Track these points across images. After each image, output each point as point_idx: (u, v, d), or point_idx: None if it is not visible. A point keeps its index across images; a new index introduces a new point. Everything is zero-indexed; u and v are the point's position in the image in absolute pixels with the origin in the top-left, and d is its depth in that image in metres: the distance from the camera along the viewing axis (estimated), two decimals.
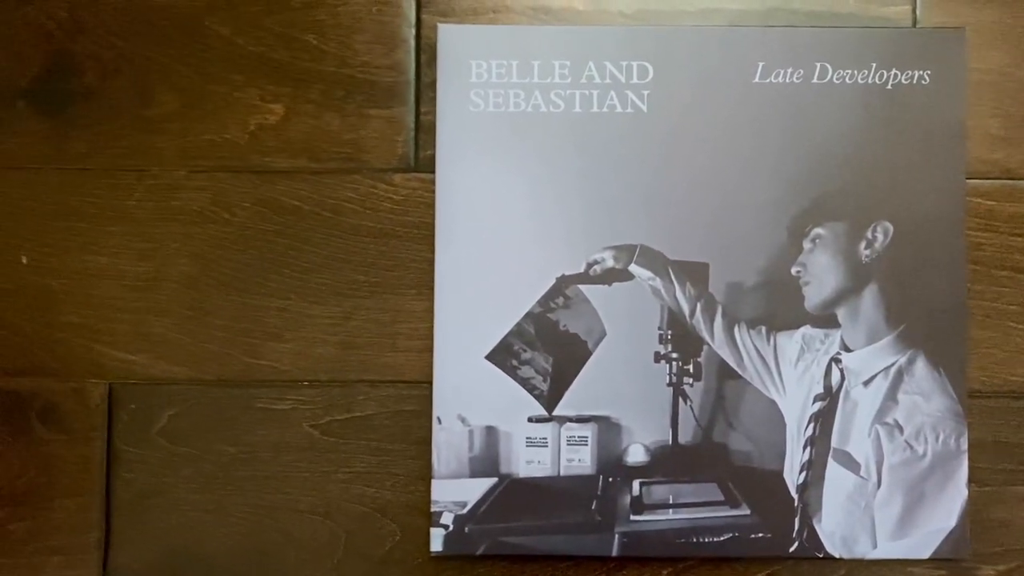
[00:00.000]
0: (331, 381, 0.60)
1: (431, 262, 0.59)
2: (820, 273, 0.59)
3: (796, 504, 0.59)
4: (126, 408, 0.60)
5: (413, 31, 0.60)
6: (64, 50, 0.60)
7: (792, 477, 0.59)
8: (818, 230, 0.59)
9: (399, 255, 0.60)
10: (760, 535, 0.59)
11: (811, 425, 0.59)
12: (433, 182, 0.59)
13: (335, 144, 0.60)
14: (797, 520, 0.59)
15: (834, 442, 0.59)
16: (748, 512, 0.59)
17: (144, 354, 0.60)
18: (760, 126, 0.59)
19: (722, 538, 0.59)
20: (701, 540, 0.59)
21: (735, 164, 0.59)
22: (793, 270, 0.59)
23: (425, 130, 0.60)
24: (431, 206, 0.59)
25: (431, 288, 0.59)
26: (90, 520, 0.59)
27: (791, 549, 0.59)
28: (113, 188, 0.60)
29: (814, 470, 0.59)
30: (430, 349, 0.59)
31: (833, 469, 0.59)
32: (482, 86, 0.59)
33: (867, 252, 0.59)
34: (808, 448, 0.59)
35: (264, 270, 0.60)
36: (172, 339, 0.60)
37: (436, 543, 0.59)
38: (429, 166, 0.60)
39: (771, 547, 0.59)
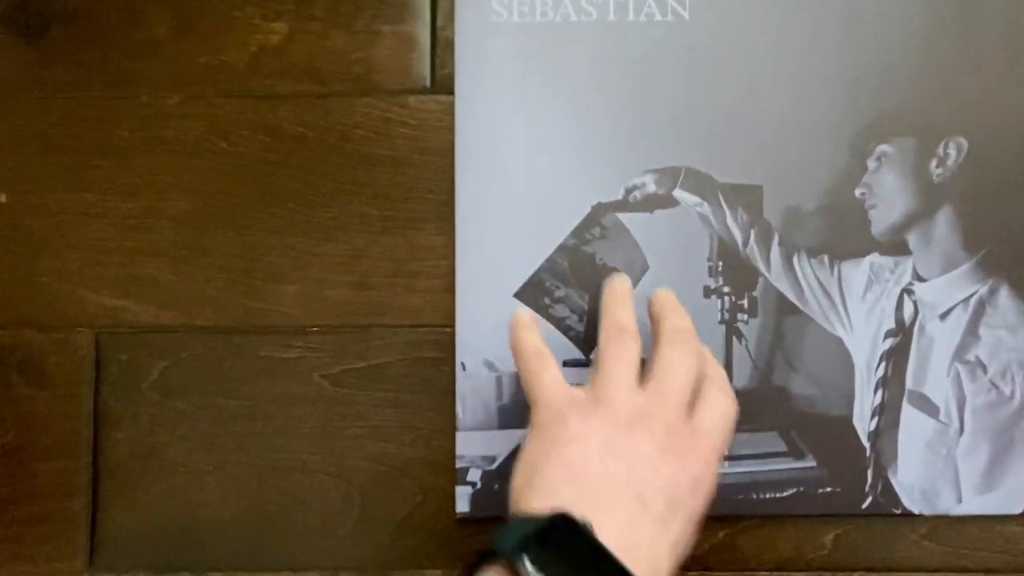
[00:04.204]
0: (342, 326, 0.54)
1: (451, 192, 0.53)
2: (887, 195, 0.53)
3: (868, 454, 0.52)
4: (115, 360, 0.54)
5: None
6: None
7: (863, 424, 0.52)
8: (883, 147, 0.53)
9: (415, 185, 0.54)
10: (828, 489, 0.52)
11: (882, 364, 0.52)
12: (451, 104, 0.54)
13: (343, 65, 0.54)
14: (870, 472, 0.52)
15: (909, 383, 0.52)
16: (814, 464, 0.52)
17: (134, 299, 0.54)
18: (816, 33, 0.53)
19: (785, 493, 0.52)
20: (761, 496, 0.52)
21: (789, 76, 0.53)
22: (857, 192, 0.53)
23: (442, 47, 0.54)
24: (450, 130, 0.54)
25: (451, 221, 0.53)
26: (76, 484, 0.53)
27: (864, 505, 0.52)
28: (100, 118, 0.54)
29: (887, 415, 0.52)
30: (452, 288, 0.53)
31: (909, 414, 0.52)
32: None
33: (939, 171, 0.53)
34: (880, 390, 0.52)
35: (266, 204, 0.54)
36: (165, 282, 0.54)
37: (462, 503, 0.52)
38: (447, 87, 0.54)
39: (841, 503, 0.52)
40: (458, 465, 0.53)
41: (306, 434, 0.54)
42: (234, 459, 0.54)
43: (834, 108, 0.53)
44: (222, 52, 0.55)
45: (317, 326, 0.54)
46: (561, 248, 0.53)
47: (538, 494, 0.43)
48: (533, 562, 0.39)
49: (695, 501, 0.45)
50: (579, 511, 0.41)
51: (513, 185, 0.53)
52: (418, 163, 0.54)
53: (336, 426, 0.54)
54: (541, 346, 0.48)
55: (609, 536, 0.41)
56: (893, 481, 0.52)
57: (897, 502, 0.52)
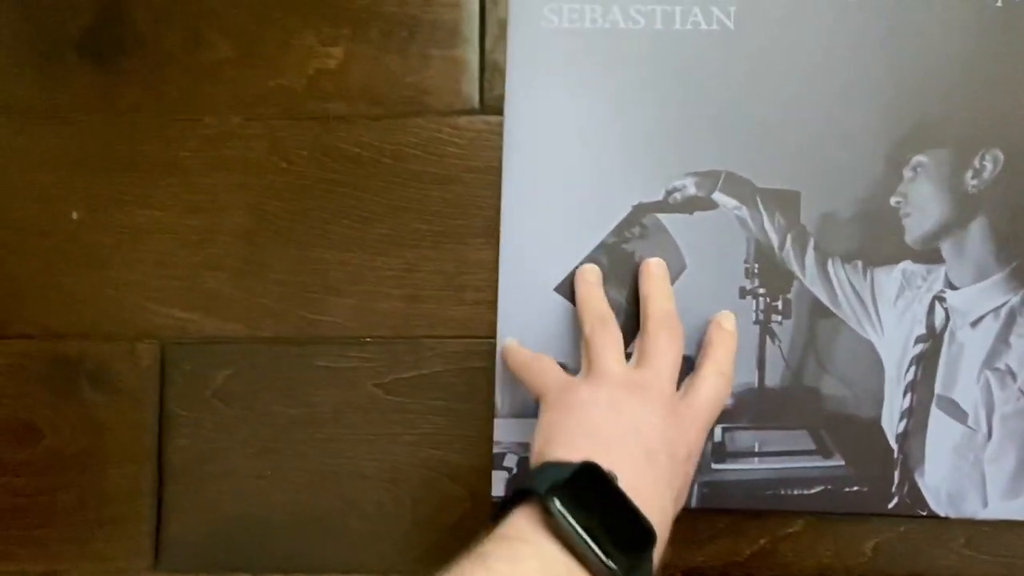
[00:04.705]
0: (395, 337, 0.56)
1: (498, 208, 0.55)
2: (922, 204, 0.54)
3: (896, 455, 0.54)
4: (179, 369, 0.56)
5: None
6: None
7: (891, 426, 0.54)
8: (920, 158, 0.54)
9: (464, 202, 0.56)
10: (855, 488, 0.54)
11: (912, 369, 0.54)
12: (499, 124, 0.56)
13: (397, 87, 0.57)
14: (897, 473, 0.54)
15: (938, 388, 0.54)
16: (842, 463, 0.54)
17: (198, 311, 0.56)
18: (857, 45, 0.54)
19: (813, 491, 0.54)
20: (790, 492, 0.54)
21: (829, 86, 0.54)
22: (892, 200, 0.54)
23: (491, 70, 0.56)
24: (498, 149, 0.56)
25: (498, 236, 0.55)
26: (142, 487, 0.56)
27: (890, 505, 0.54)
28: (165, 139, 0.57)
29: (916, 418, 0.54)
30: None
31: (937, 418, 0.53)
32: (557, 0, 0.55)
33: (974, 182, 0.54)
34: (909, 394, 0.54)
35: (323, 221, 0.56)
36: (227, 295, 0.56)
37: (498, 487, 0.55)
38: (495, 108, 0.56)
39: (868, 502, 0.54)
40: (495, 451, 0.55)
41: (360, 441, 0.56)
42: (291, 464, 0.56)
43: (872, 118, 0.54)
44: (282, 76, 0.57)
45: (371, 337, 0.56)
46: (601, 245, 0.55)
47: (560, 448, 0.46)
48: (563, 503, 0.42)
49: (687, 467, 0.48)
50: (600, 461, 0.44)
51: (557, 185, 0.55)
52: (467, 181, 0.56)
53: (389, 433, 0.56)
54: (534, 353, 0.53)
55: (623, 483, 0.44)
56: (920, 483, 0.54)
57: (923, 503, 0.53)
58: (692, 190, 0.55)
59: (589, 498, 0.43)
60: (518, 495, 0.44)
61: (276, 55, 0.57)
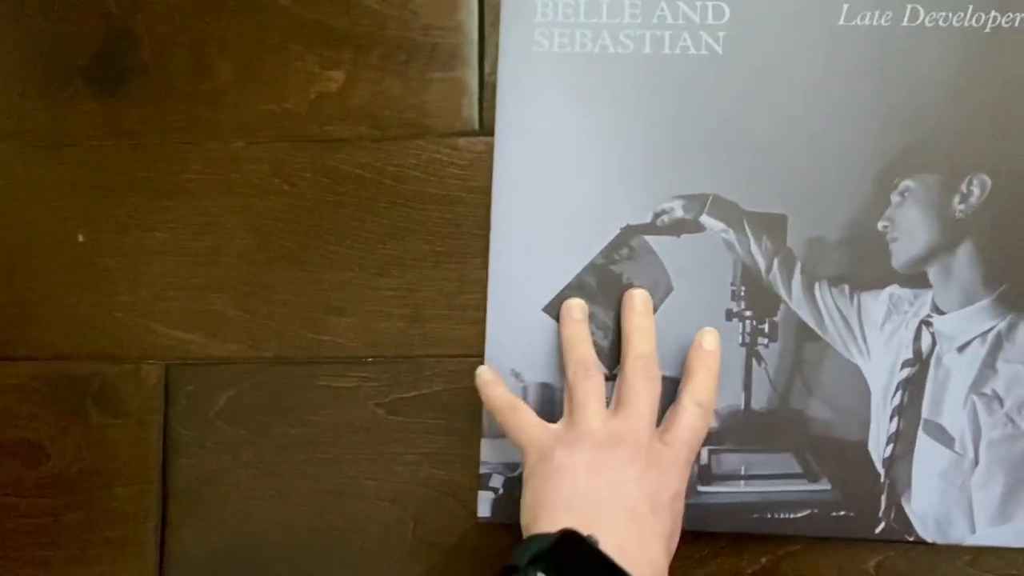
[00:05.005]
0: (397, 356, 0.56)
1: None
2: (909, 229, 0.54)
3: (883, 480, 0.54)
4: (183, 390, 0.57)
5: None
6: (121, 27, 0.59)
7: (878, 450, 0.54)
8: (907, 183, 0.54)
9: (465, 222, 0.57)
10: (842, 513, 0.54)
11: (899, 393, 0.54)
12: None
13: (397, 110, 0.57)
14: (884, 498, 0.53)
15: (925, 413, 0.53)
16: (828, 487, 0.54)
17: (201, 332, 0.57)
18: (844, 72, 0.54)
19: (800, 515, 0.54)
20: (776, 516, 0.54)
21: (817, 111, 0.55)
22: (879, 225, 0.54)
23: (490, 92, 0.57)
24: None
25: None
26: (147, 507, 0.56)
27: (877, 530, 0.54)
28: (170, 163, 0.58)
29: (903, 443, 0.53)
30: None
31: (924, 442, 0.53)
32: (547, 25, 0.55)
33: (961, 207, 0.54)
34: (896, 418, 0.54)
35: (325, 242, 0.57)
36: (230, 316, 0.57)
37: (483, 508, 0.55)
38: (495, 130, 0.57)
39: (854, 527, 0.53)
40: (481, 471, 0.55)
41: (362, 460, 0.56)
42: (294, 484, 0.56)
43: (861, 142, 0.54)
44: (284, 99, 0.58)
45: (372, 356, 0.56)
46: (589, 266, 0.55)
47: (544, 522, 0.47)
48: (547, 573, 0.43)
49: (674, 508, 0.49)
50: (582, 528, 0.45)
51: (546, 205, 0.55)
52: (467, 201, 0.57)
53: (390, 452, 0.56)
54: (510, 397, 0.53)
55: (608, 546, 0.45)
56: (907, 508, 0.53)
57: (910, 528, 0.53)
58: (680, 213, 0.55)
59: (572, 565, 0.44)
60: (504, 572, 0.44)
61: (278, 79, 0.58)
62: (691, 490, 0.53)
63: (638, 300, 0.54)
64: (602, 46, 0.55)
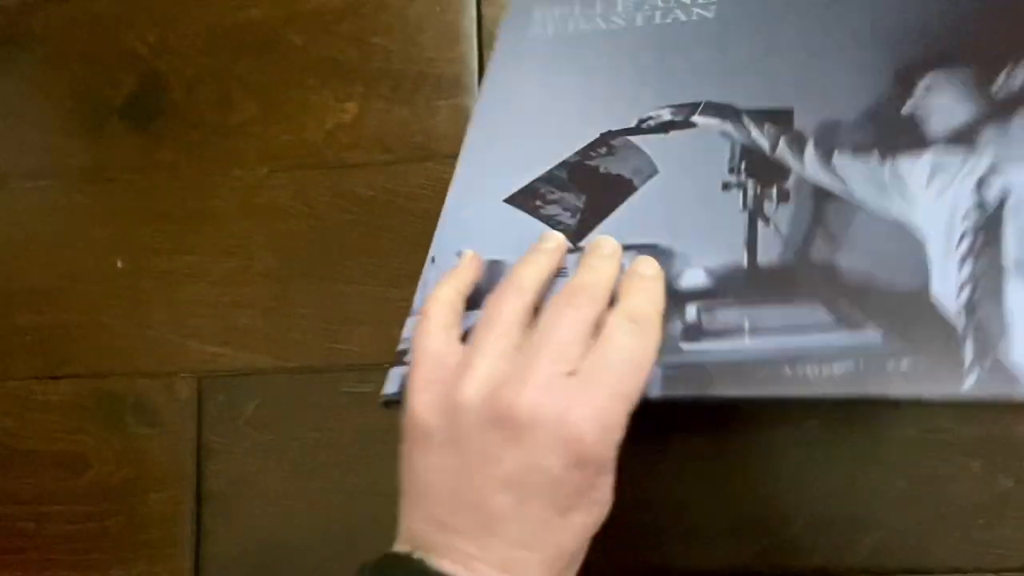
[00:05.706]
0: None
1: None
2: (943, 111, 0.46)
3: (963, 327, 0.41)
4: (214, 400, 0.61)
5: (475, 25, 0.63)
6: (153, 70, 0.65)
7: (948, 298, 0.42)
8: (932, 77, 0.47)
9: None
10: (904, 363, 0.40)
11: (966, 240, 0.43)
12: None
13: (407, 135, 0.62)
14: (969, 346, 0.41)
15: (1014, 252, 0.42)
16: (879, 333, 0.41)
17: (231, 346, 0.61)
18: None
19: (836, 369, 0.41)
20: (799, 372, 0.41)
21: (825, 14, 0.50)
22: (904, 111, 0.47)
23: None
24: None
25: None
26: (182, 512, 0.60)
27: (965, 386, 0.40)
28: (200, 191, 0.63)
29: (983, 289, 0.42)
30: None
31: (1016, 286, 0.42)
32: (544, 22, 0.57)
33: (1004, 91, 0.46)
34: (968, 263, 0.43)
35: (343, 258, 0.61)
36: (257, 330, 0.61)
37: (391, 384, 0.48)
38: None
39: (924, 380, 0.40)
40: (399, 347, 0.50)
41: (379, 460, 0.59)
42: (318, 485, 0.59)
43: (877, 44, 0.49)
44: (302, 130, 0.63)
45: (389, 362, 0.60)
46: (563, 163, 0.51)
47: (405, 543, 0.43)
48: None
49: (581, 475, 0.40)
50: (431, 540, 0.41)
51: (525, 124, 0.54)
52: None
53: None
54: (451, 307, 0.46)
55: (455, 557, 0.40)
56: (1005, 360, 0.40)
57: (1013, 383, 0.40)
58: (667, 117, 0.50)
59: None
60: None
61: (297, 113, 0.63)
62: (672, 349, 0.43)
63: (604, 242, 0.46)
64: (595, 28, 0.56)
